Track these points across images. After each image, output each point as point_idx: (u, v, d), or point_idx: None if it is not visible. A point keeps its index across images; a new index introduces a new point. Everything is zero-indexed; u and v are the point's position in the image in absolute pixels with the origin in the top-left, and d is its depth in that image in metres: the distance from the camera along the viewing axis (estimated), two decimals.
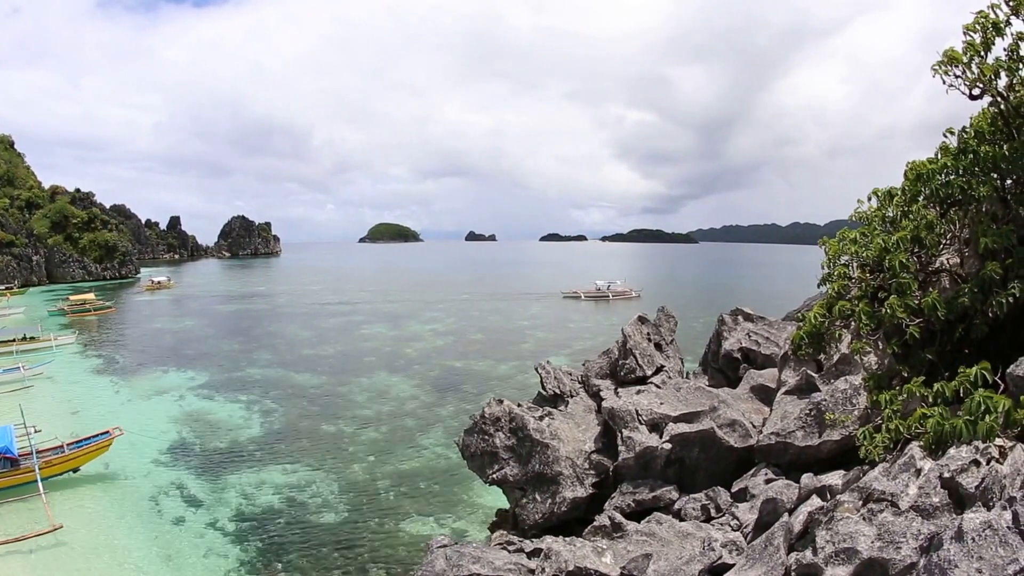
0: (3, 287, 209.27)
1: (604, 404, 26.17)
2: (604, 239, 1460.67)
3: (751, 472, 21.64)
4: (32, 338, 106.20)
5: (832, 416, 19.07)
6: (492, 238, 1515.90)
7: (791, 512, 15.79)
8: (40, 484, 43.69)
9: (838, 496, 14.37)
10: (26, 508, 43.07)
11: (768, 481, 20.18)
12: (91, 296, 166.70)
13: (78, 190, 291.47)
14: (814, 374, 21.97)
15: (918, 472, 12.59)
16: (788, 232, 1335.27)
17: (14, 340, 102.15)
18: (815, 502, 15.51)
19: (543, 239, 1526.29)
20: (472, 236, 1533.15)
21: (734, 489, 21.40)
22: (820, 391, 21.11)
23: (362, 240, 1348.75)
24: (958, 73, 16.05)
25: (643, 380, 28.50)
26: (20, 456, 46.45)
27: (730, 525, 19.29)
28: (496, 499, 38.76)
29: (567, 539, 20.51)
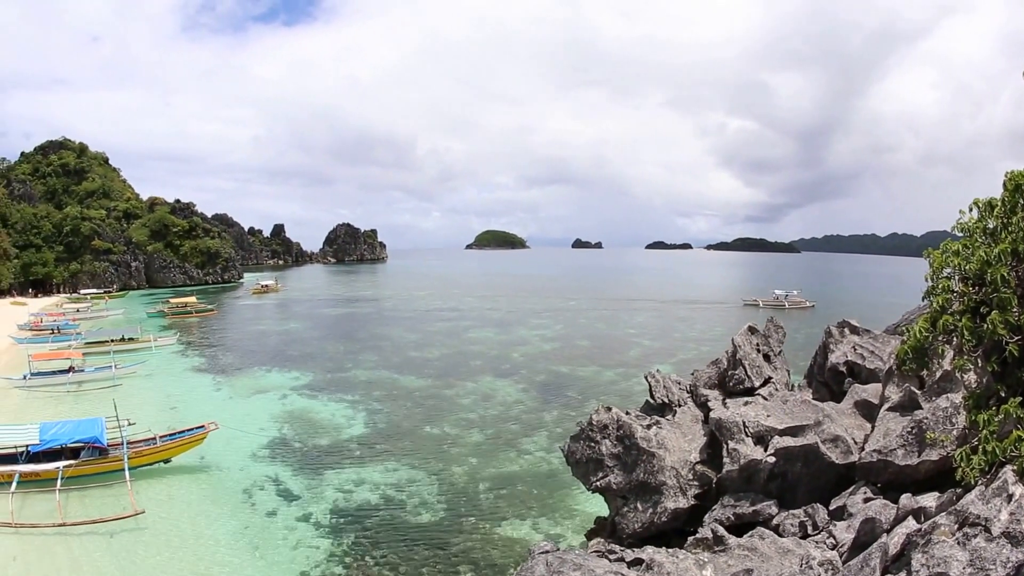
0: (102, 291, 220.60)
1: (712, 414, 26.00)
2: (709, 247, 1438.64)
3: (850, 490, 21.36)
4: (131, 339, 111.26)
5: (932, 435, 18.83)
6: (598, 245, 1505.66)
7: (888, 533, 15.69)
8: (127, 472, 45.98)
9: (936, 519, 14.23)
10: (112, 494, 45.47)
11: (866, 500, 19.92)
12: (193, 299, 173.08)
13: (178, 201, 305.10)
14: (917, 391, 21.64)
15: (1010, 497, 12.43)
16: (887, 243, 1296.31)
17: (111, 340, 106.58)
18: (911, 524, 15.40)
19: (649, 247, 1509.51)
20: (578, 243, 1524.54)
21: (832, 507, 21.16)
22: (922, 408, 20.81)
23: (469, 247, 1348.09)
24: None
25: (751, 391, 28.41)
26: (110, 446, 49.45)
27: (827, 543, 19.06)
28: (594, 506, 39.12)
29: (670, 550, 20.46)
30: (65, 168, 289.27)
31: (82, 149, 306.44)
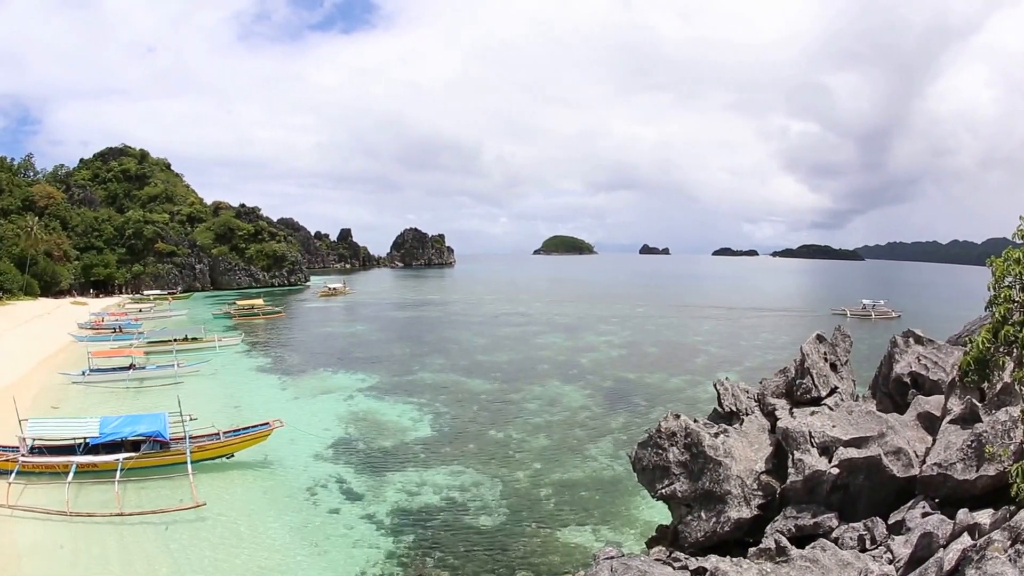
0: (165, 292, 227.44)
1: (779, 424, 26.16)
2: (775, 254, 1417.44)
3: (909, 504, 21.40)
4: (194, 339, 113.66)
5: (991, 449, 18.78)
6: (666, 251, 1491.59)
7: (944, 548, 15.82)
8: (189, 466, 47.29)
9: (990, 535, 14.36)
10: (172, 486, 46.62)
11: (924, 515, 19.99)
12: (260, 301, 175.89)
13: (243, 205, 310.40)
14: (978, 403, 21.58)
15: None
16: (948, 250, 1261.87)
17: (173, 340, 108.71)
18: (966, 540, 15.51)
19: (715, 253, 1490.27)
20: (646, 249, 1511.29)
21: (891, 520, 21.20)
22: (982, 421, 20.74)
23: (536, 252, 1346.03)
24: None
25: (817, 401, 28.37)
26: (172, 440, 50.98)
27: (885, 558, 19.15)
28: (656, 514, 39.20)
29: (733, 559, 20.60)
30: (126, 174, 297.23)
31: (143, 155, 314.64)
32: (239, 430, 54.67)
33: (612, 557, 21.50)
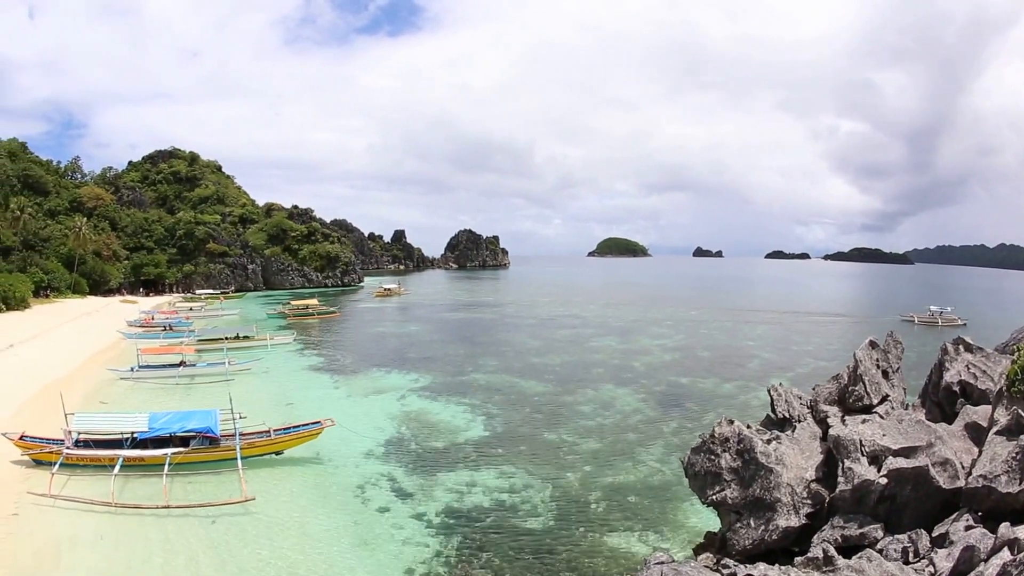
0: (218, 291, 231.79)
1: (830, 431, 25.84)
2: (826, 257, 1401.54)
3: (953, 517, 21.29)
4: (246, 337, 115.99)
5: None
6: (719, 254, 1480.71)
7: (985, 562, 15.89)
8: (240, 461, 47.98)
9: None
10: (224, 481, 47.81)
11: (967, 528, 19.87)
12: (314, 301, 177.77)
13: (295, 206, 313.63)
14: None
15: None
16: (996, 254, 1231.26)
17: (225, 338, 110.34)
18: (1005, 555, 15.60)
19: (768, 256, 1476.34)
20: (699, 252, 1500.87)
21: (935, 533, 21.12)
22: None
23: (590, 254, 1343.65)
24: None
25: (868, 409, 27.80)
26: (222, 436, 51.93)
27: (927, 571, 19.11)
28: (703, 521, 39.13)
29: (782, 567, 20.65)
30: (176, 176, 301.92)
31: (193, 158, 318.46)
32: (289, 428, 55.60)
33: (663, 563, 21.58)
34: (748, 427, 27.80)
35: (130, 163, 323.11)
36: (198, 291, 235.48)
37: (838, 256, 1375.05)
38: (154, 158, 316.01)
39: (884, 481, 22.96)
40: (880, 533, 22.34)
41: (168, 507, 42.79)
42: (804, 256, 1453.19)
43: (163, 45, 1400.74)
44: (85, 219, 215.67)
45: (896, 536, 21.67)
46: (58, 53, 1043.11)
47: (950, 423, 26.17)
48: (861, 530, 22.60)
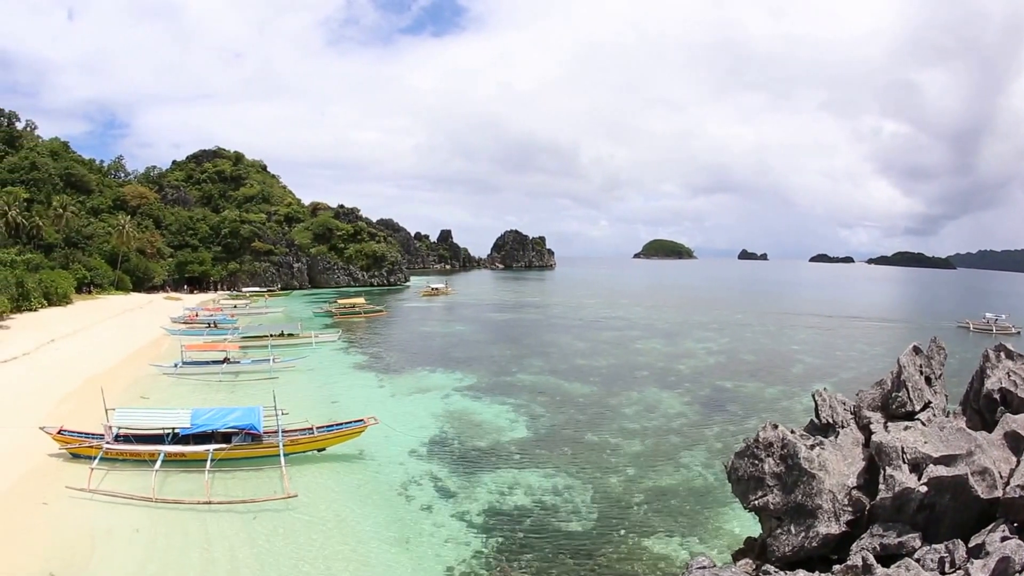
0: (263, 289, 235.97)
1: (873, 438, 25.96)
2: (870, 261, 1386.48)
3: (990, 527, 21.33)
4: (291, 335, 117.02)
5: None
6: (764, 257, 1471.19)
7: (1020, 574, 15.92)
8: (282, 458, 48.60)
9: None
10: (266, 477, 48.39)
11: (1004, 539, 19.92)
12: (361, 300, 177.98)
13: (341, 206, 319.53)
14: None
15: None
16: None
17: (269, 335, 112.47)
18: None
19: (812, 259, 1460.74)
20: (744, 254, 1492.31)
21: (971, 543, 21.15)
22: None
23: (636, 256, 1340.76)
24: None
25: (911, 415, 27.84)
26: (265, 433, 52.42)
27: None
28: (743, 526, 39.41)
29: (821, 575, 20.71)
30: (221, 175, 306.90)
31: (238, 157, 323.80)
32: (332, 426, 56.02)
33: (704, 567, 21.83)
34: (792, 432, 27.96)
35: (174, 162, 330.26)
36: (244, 289, 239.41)
37: (881, 260, 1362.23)
38: (198, 157, 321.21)
39: (924, 489, 22.97)
40: (918, 542, 22.38)
41: (209, 503, 43.32)
42: (848, 260, 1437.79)
43: (205, 46, 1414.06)
44: (129, 217, 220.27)
45: (933, 546, 21.70)
46: (98, 54, 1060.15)
47: (990, 431, 26.10)
48: (900, 539, 22.63)
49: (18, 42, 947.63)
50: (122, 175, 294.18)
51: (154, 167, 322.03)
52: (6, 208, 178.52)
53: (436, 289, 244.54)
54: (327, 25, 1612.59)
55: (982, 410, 28.78)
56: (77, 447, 51.21)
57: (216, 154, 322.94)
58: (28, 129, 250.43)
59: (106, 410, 51.89)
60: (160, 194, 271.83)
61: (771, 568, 22.70)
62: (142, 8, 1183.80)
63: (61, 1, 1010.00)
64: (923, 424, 26.47)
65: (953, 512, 22.90)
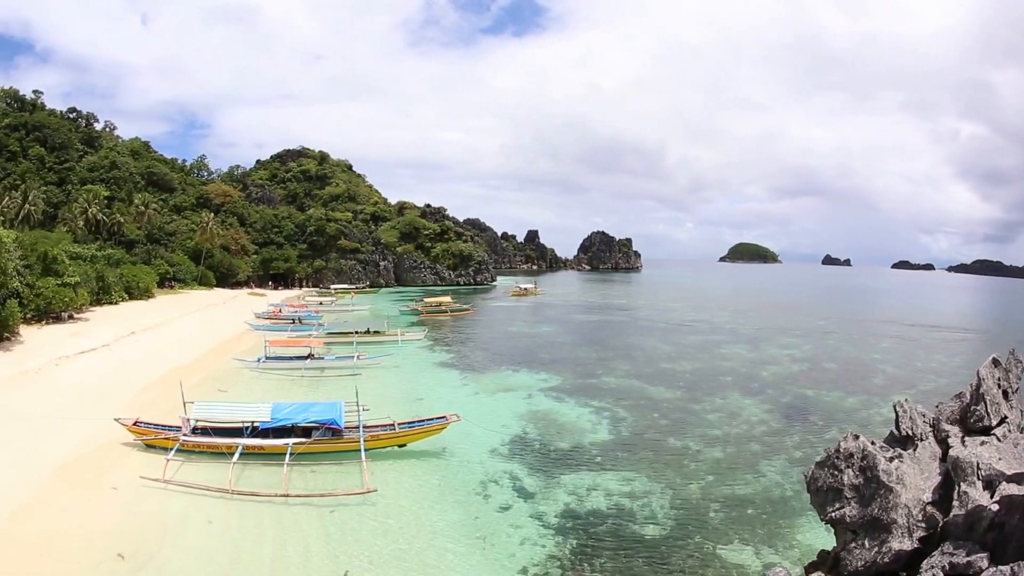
0: (350, 287, 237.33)
1: (950, 452, 25.86)
2: (950, 269, 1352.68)
3: None
4: (376, 332, 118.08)
5: None
6: (847, 263, 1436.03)
7: None
8: (363, 453, 49.56)
9: None
10: (346, 472, 49.21)
11: None
12: (448, 299, 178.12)
13: (428, 205, 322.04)
14: None
15: None
16: None
17: (355, 332, 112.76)
18: None
19: (894, 266, 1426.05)
20: (828, 260, 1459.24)
21: None
22: None
23: (722, 259, 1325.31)
24: None
25: (987, 430, 27.67)
26: (346, 428, 53.23)
27: None
28: (818, 538, 39.10)
29: None
30: (306, 174, 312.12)
31: (323, 157, 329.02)
32: (414, 422, 56.73)
33: None
34: (872, 443, 27.81)
35: (258, 162, 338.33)
36: (332, 286, 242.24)
37: (960, 268, 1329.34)
38: (283, 157, 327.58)
39: (995, 508, 22.75)
40: (985, 563, 22.06)
41: (287, 496, 44.31)
42: (929, 267, 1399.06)
43: (284, 48, 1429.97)
44: (212, 214, 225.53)
45: (1000, 568, 21.25)
46: (175, 57, 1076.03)
47: None
48: (968, 558, 22.35)
49: (92, 47, 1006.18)
50: (205, 174, 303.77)
51: (238, 166, 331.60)
52: (86, 205, 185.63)
53: (525, 289, 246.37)
54: (407, 27, 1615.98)
55: None
56: (153, 438, 52.73)
57: (301, 153, 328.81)
58: (107, 130, 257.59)
59: (184, 403, 53.56)
60: (244, 192, 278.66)
61: None
62: (216, 13, 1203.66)
63: (135, 7, 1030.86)
64: (999, 440, 26.38)
65: (1021, 533, 22.34)
